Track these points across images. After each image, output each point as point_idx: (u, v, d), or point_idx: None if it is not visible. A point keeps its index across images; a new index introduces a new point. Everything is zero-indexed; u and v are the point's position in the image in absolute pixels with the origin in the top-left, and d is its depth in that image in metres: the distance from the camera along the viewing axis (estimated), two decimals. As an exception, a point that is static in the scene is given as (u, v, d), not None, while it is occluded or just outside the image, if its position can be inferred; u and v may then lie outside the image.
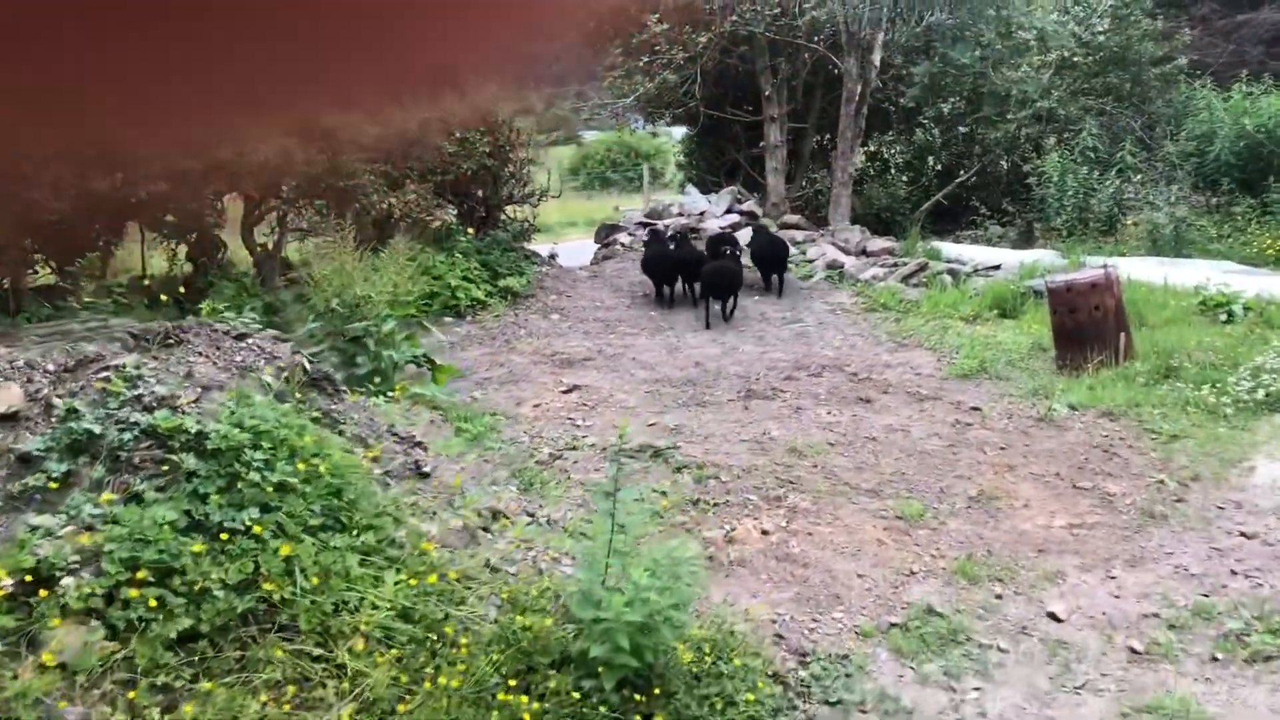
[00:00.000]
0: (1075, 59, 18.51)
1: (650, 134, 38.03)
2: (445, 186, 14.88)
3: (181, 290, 11.21)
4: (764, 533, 6.31)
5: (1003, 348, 11.19)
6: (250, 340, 5.31)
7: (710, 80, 19.10)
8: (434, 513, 4.98)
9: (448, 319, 13.52)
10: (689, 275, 14.27)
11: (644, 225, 17.69)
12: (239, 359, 5.17)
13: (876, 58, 17.80)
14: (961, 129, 20.27)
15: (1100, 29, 18.38)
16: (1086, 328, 10.00)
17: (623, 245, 17.42)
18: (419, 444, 5.60)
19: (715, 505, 6.81)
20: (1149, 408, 8.82)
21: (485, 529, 5.12)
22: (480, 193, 15.34)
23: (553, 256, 16.48)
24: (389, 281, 8.35)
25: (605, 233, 18.31)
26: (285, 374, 5.20)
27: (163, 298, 10.29)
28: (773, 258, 14.62)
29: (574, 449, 8.21)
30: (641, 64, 18.68)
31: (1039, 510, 6.98)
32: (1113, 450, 8.01)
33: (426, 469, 5.45)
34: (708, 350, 11.88)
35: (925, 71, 18.27)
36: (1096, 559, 6.24)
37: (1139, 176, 17.51)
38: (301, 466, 4.17)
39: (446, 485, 5.55)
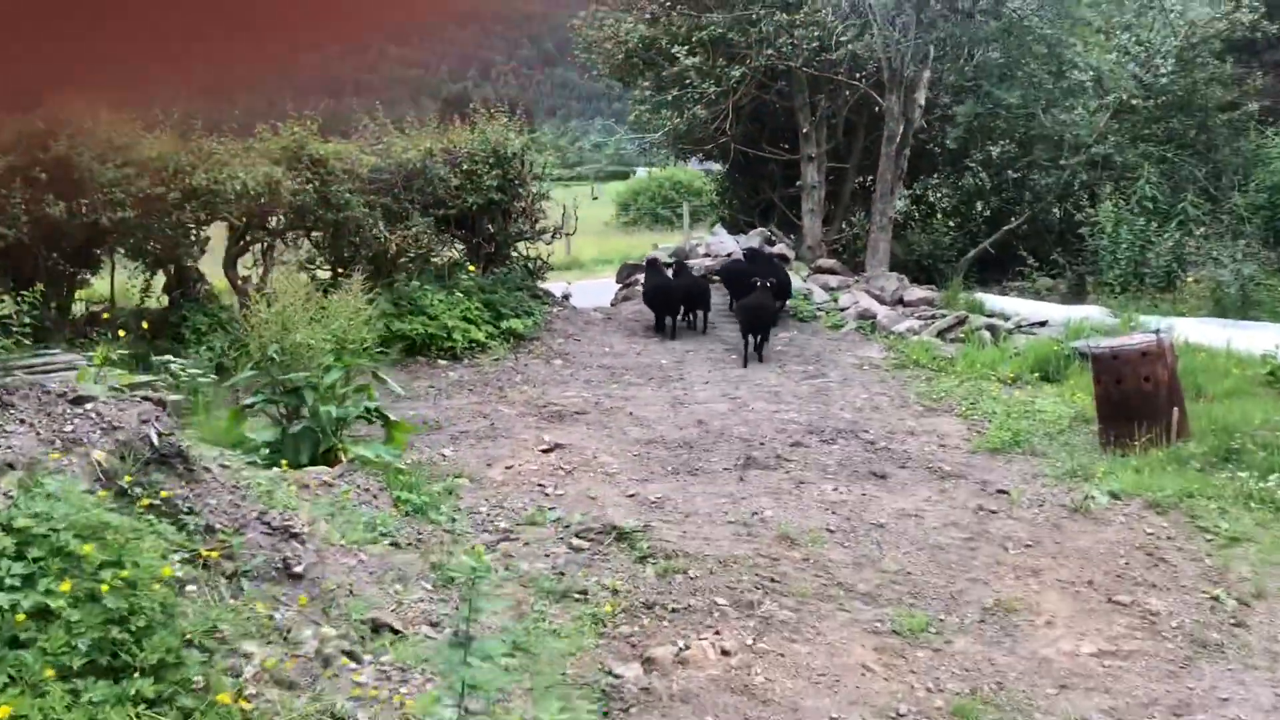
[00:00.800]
0: (1134, 102, 17.24)
1: (704, 171, 37.17)
2: (450, 221, 14.05)
3: (145, 325, 10.44)
4: (724, 653, 5.22)
5: (1041, 417, 10.02)
6: (90, 405, 4.39)
7: (745, 116, 18.15)
8: (287, 631, 4.00)
9: (442, 361, 12.64)
10: (690, 305, 14.40)
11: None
12: (70, 429, 4.25)
13: (921, 96, 16.73)
14: (1012, 174, 19.04)
15: (1164, 71, 17.09)
16: (1134, 400, 8.81)
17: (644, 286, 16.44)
18: (295, 535, 4.62)
19: (674, 611, 5.72)
20: (1204, 500, 7.59)
21: (352, 654, 4.11)
22: (489, 228, 14.47)
23: (566, 297, 15.53)
24: (338, 326, 7.43)
25: (626, 273, 17.31)
26: (124, 449, 4.27)
27: (121, 333, 9.50)
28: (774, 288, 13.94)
29: (533, 524, 7.21)
30: (670, 98, 17.80)
31: (1065, 630, 5.82)
32: (1159, 553, 6.80)
33: (298, 568, 4.46)
34: (715, 406, 10.83)
35: (969, 111, 17.13)
36: (1132, 703, 5.07)
37: (1201, 230, 16.13)
38: (66, 587, 3.22)
39: (327, 589, 4.56)
